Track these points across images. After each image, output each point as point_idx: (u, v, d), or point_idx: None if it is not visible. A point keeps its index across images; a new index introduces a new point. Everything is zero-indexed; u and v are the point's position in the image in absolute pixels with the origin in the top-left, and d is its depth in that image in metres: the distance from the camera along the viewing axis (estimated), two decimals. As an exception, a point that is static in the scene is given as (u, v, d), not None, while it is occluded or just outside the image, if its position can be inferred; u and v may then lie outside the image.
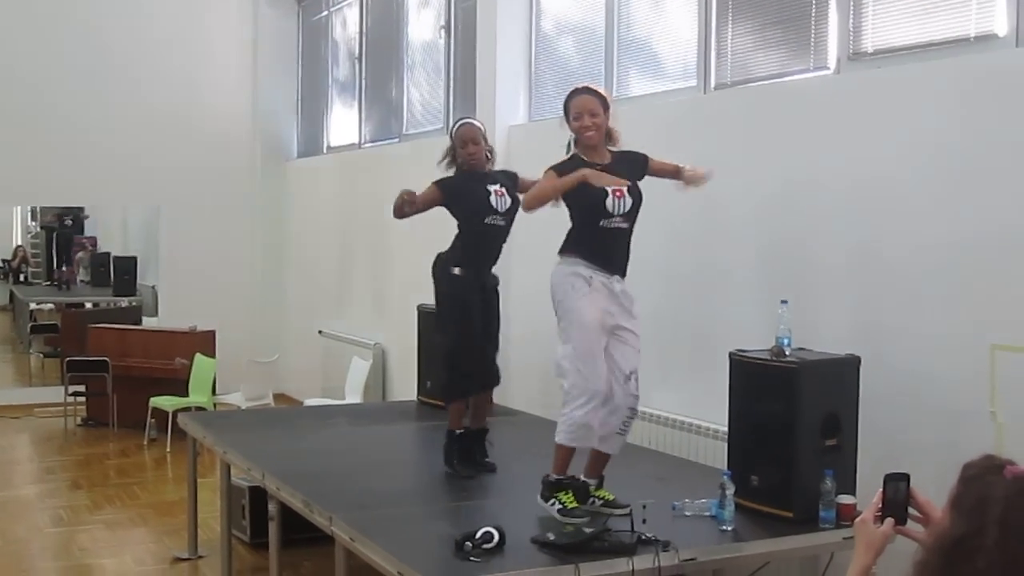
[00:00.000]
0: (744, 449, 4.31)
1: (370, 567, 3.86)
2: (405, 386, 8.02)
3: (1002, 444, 3.82)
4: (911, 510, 2.17)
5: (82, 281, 13.12)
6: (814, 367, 4.23)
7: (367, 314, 9.54)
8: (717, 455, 5.03)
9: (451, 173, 5.10)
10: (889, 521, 2.14)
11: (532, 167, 5.07)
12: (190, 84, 11.24)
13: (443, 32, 8.58)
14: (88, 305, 12.89)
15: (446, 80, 8.57)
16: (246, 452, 5.40)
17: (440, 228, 5.19)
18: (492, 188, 5.00)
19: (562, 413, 4.17)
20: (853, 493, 4.12)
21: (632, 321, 4.25)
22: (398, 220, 5.07)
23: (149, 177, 11.00)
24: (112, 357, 9.46)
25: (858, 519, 2.19)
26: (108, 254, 12.65)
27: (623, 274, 4.27)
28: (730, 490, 4.03)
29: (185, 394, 8.98)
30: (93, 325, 10.16)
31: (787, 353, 4.26)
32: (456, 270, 5.01)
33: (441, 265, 5.07)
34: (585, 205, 4.19)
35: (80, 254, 13.22)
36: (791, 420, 4.12)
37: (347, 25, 10.62)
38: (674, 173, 4.40)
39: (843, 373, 4.30)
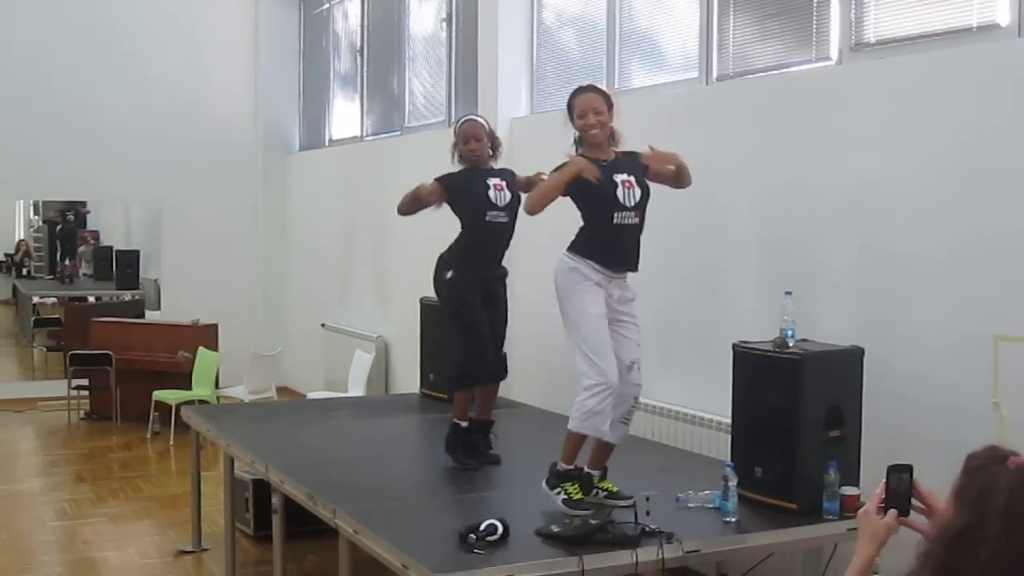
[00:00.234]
0: (747, 441, 4.31)
1: (374, 560, 3.87)
2: (408, 379, 8.03)
3: (1005, 435, 3.82)
4: (914, 501, 2.17)
5: (85, 275, 13.09)
6: (818, 358, 4.22)
7: (370, 307, 9.54)
8: (720, 447, 5.03)
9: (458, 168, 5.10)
10: (892, 512, 2.14)
11: (534, 159, 5.07)
12: (192, 78, 11.26)
13: (444, 24, 8.57)
14: (91, 299, 12.88)
15: (448, 73, 8.56)
16: (250, 445, 5.41)
17: (443, 221, 5.18)
18: (491, 182, 5.00)
19: (576, 401, 4.16)
20: (856, 484, 4.12)
21: (632, 311, 4.24)
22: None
23: (151, 171, 11.03)
24: (115, 351, 9.48)
25: (861, 510, 2.20)
26: (111, 248, 12.63)
27: (635, 269, 4.25)
28: (733, 482, 4.03)
29: (188, 387, 8.99)
30: (96, 319, 10.15)
31: (791, 344, 4.25)
32: (449, 274, 5.01)
33: (438, 269, 5.08)
34: (596, 199, 4.16)
35: (83, 248, 13.19)
36: (794, 411, 4.11)
37: (348, 18, 10.62)
38: (670, 176, 4.33)
39: (846, 364, 4.29)
